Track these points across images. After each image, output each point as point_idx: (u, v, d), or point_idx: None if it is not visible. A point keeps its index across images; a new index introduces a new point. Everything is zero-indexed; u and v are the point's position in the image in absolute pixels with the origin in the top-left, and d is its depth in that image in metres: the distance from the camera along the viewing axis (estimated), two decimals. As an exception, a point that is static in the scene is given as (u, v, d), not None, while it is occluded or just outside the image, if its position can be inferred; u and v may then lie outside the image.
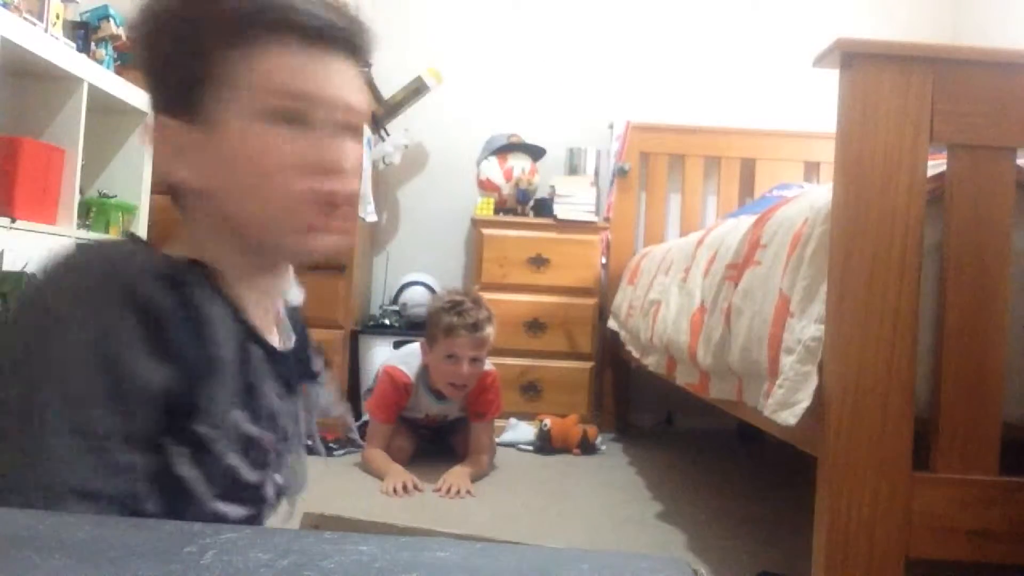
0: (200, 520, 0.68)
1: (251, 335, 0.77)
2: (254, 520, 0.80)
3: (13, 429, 0.62)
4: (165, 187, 0.78)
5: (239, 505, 0.76)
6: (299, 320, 0.92)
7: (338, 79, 0.74)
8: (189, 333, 0.69)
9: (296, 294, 0.88)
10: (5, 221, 2.09)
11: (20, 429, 0.62)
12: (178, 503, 0.69)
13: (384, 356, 3.01)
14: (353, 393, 3.17)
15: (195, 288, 0.71)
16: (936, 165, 1.26)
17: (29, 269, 2.15)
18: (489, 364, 2.59)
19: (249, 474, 0.75)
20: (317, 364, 0.91)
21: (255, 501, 0.79)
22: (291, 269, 0.86)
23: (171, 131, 0.73)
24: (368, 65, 0.80)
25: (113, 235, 2.64)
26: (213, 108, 0.72)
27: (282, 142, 0.72)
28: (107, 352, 0.64)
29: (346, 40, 0.74)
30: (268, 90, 0.71)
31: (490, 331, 2.45)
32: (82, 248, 0.70)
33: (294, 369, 0.85)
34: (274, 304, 0.84)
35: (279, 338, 0.85)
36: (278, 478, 0.83)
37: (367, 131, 3.25)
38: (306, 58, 0.72)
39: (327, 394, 0.92)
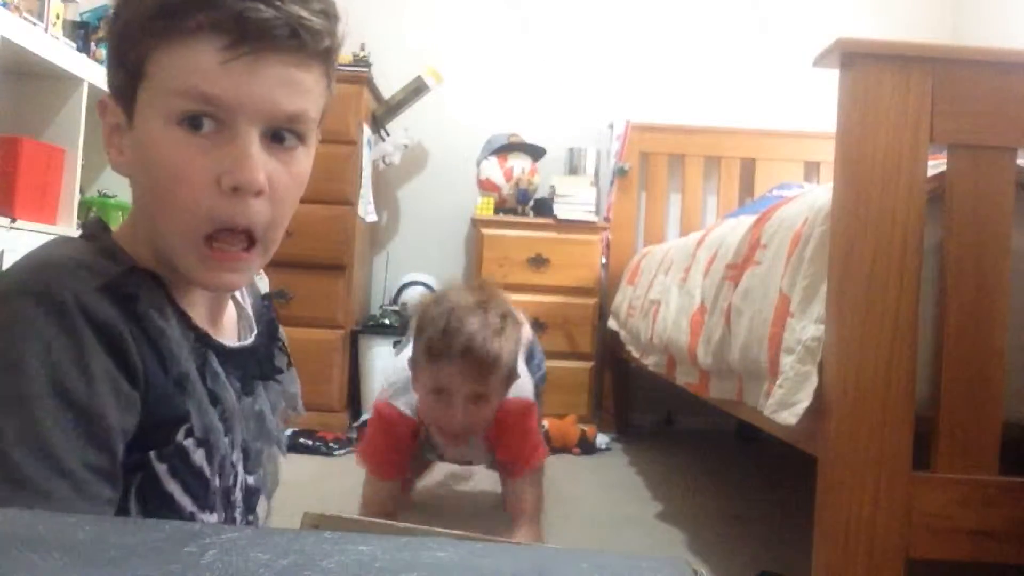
0: None
1: (204, 340, 0.74)
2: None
3: None
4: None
5: (211, 513, 0.74)
6: (267, 311, 0.88)
7: (269, 81, 0.66)
8: (150, 355, 0.67)
9: (261, 283, 0.87)
10: (5, 221, 2.09)
11: None
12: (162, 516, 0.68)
13: (384, 356, 3.00)
14: (353, 393, 3.17)
15: (143, 299, 0.68)
16: (936, 165, 1.26)
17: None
18: (522, 387, 1.74)
19: (215, 479, 0.74)
20: (280, 360, 0.86)
21: (225, 507, 0.77)
22: None
23: (111, 113, 0.72)
24: (333, 60, 0.72)
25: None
26: (139, 103, 0.68)
27: (194, 151, 0.66)
28: (73, 387, 0.61)
29: (289, 35, 0.65)
30: (180, 91, 0.65)
31: (500, 347, 1.56)
32: (24, 269, 0.65)
33: (251, 366, 0.81)
34: (225, 296, 0.81)
35: (238, 331, 0.84)
36: (250, 479, 0.81)
37: (367, 131, 3.25)
38: (227, 57, 0.64)
39: (292, 391, 0.88)
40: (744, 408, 1.67)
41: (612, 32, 3.69)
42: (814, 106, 3.35)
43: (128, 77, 0.68)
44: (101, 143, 0.74)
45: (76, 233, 0.76)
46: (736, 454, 3.15)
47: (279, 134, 0.69)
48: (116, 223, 2.70)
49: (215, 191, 0.66)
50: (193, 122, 0.66)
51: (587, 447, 2.92)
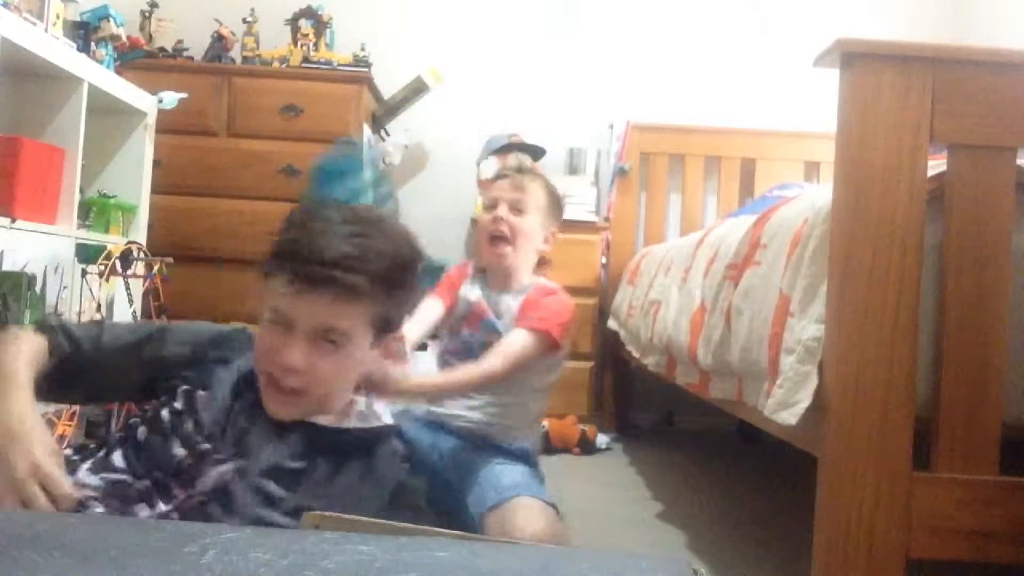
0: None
1: (255, 400, 1.12)
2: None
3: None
4: None
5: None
6: (385, 452, 1.17)
7: (314, 307, 1.07)
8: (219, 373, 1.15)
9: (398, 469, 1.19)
10: (5, 221, 2.09)
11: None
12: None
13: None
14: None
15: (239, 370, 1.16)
16: (936, 165, 1.26)
17: (29, 269, 2.15)
18: (559, 291, 1.93)
19: (177, 449, 1.07)
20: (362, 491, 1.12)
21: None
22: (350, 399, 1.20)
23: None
24: (380, 295, 1.10)
25: (113, 235, 2.64)
26: (264, 297, 1.12)
27: (268, 337, 1.10)
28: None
29: (326, 284, 1.06)
30: (267, 303, 1.10)
31: (534, 182, 1.97)
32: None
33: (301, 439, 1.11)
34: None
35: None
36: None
37: (367, 131, 3.25)
38: (293, 290, 1.07)
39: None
40: (744, 408, 1.67)
41: (612, 32, 3.69)
42: (814, 106, 3.35)
43: (264, 280, 1.12)
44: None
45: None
46: (736, 454, 3.15)
47: (326, 338, 1.09)
48: (116, 223, 2.71)
49: (272, 364, 1.10)
50: (275, 321, 1.10)
51: (587, 447, 2.92)
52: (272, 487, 1.05)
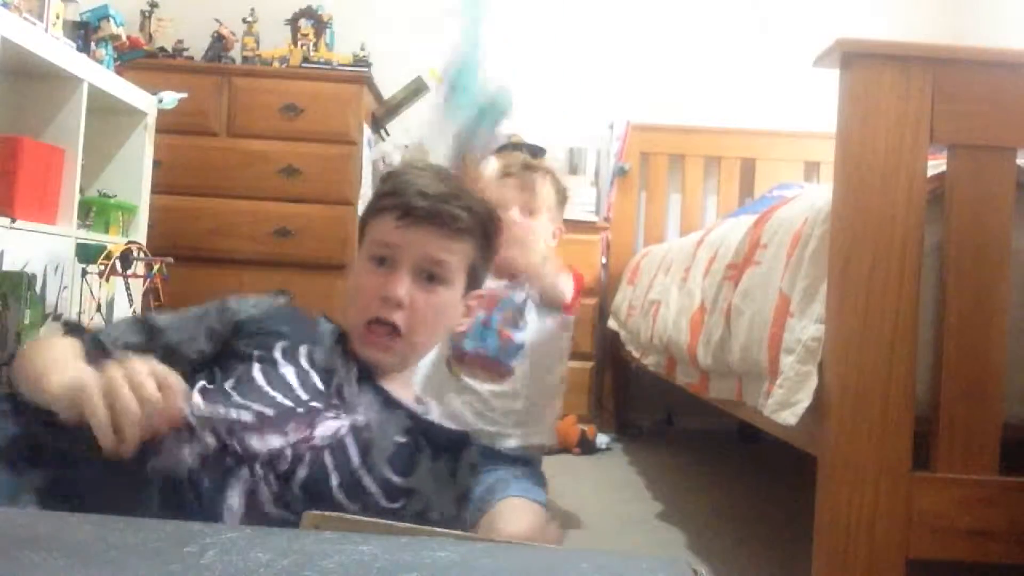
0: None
1: (346, 348, 1.16)
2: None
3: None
4: None
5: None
6: (467, 457, 1.17)
7: (418, 240, 1.14)
8: (285, 324, 1.16)
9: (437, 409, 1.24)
10: (5, 221, 2.09)
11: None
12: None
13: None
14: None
15: (315, 317, 1.24)
16: (936, 165, 1.26)
17: (29, 269, 2.15)
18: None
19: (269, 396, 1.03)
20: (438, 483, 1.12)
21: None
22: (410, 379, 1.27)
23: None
24: (479, 236, 1.19)
25: (113, 235, 2.64)
26: (360, 249, 1.21)
27: (369, 277, 1.15)
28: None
29: (432, 216, 1.14)
30: (372, 241, 1.18)
31: (543, 181, 2.01)
32: None
33: (395, 413, 1.12)
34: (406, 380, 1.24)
35: (411, 400, 1.20)
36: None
37: (367, 131, 3.25)
38: (400, 223, 1.14)
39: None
40: (744, 408, 1.67)
41: (612, 32, 3.69)
42: (814, 106, 3.34)
43: (360, 236, 1.22)
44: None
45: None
46: (736, 454, 3.15)
47: (428, 274, 1.15)
48: (116, 223, 2.70)
49: (377, 302, 1.14)
50: (379, 261, 1.16)
51: (587, 447, 2.92)
52: (389, 460, 1.05)
